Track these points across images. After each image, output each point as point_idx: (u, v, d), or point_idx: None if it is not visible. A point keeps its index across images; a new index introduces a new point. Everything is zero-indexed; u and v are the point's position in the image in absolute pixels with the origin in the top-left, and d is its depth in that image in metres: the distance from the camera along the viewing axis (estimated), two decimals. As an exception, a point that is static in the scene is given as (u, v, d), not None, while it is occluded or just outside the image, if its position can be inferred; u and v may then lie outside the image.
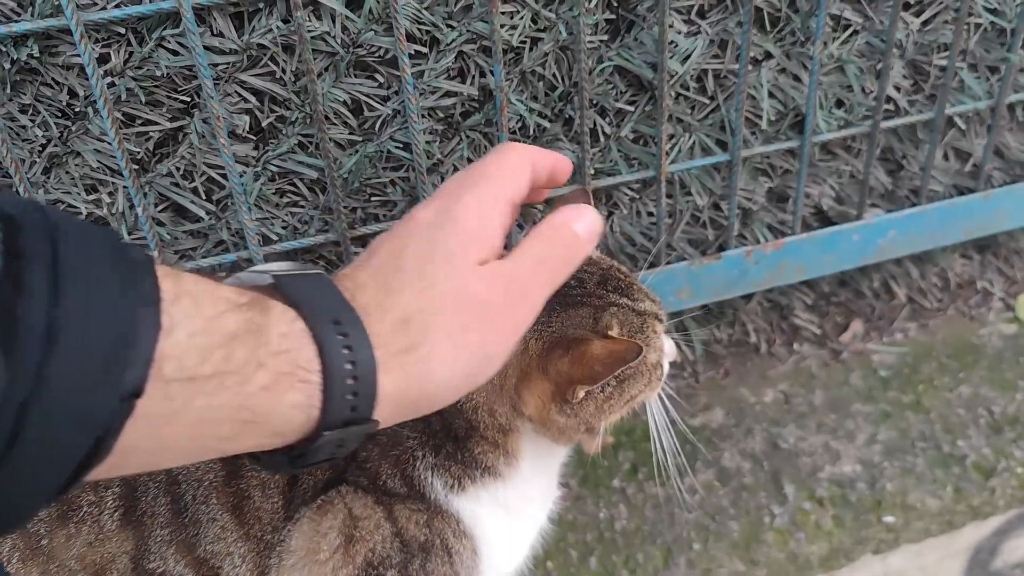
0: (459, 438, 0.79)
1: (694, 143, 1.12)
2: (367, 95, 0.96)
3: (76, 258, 0.37)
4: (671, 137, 1.11)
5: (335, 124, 0.97)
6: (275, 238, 1.02)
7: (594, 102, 1.05)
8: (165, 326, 0.39)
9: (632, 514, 1.21)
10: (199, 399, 0.41)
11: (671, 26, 1.02)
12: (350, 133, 0.98)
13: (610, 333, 0.74)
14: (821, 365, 1.41)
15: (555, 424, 0.76)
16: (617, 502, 1.23)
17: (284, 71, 0.92)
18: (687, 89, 1.08)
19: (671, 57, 1.03)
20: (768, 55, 1.09)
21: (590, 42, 1.00)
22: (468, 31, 0.94)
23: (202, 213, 0.98)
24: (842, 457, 1.26)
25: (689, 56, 1.04)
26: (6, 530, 0.37)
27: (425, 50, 0.95)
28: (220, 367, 0.42)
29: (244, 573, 0.79)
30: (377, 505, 0.81)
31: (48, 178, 0.92)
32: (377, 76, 0.96)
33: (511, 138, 1.04)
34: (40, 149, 0.91)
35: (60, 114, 0.90)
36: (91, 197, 0.95)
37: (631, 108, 1.07)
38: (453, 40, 0.95)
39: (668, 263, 1.18)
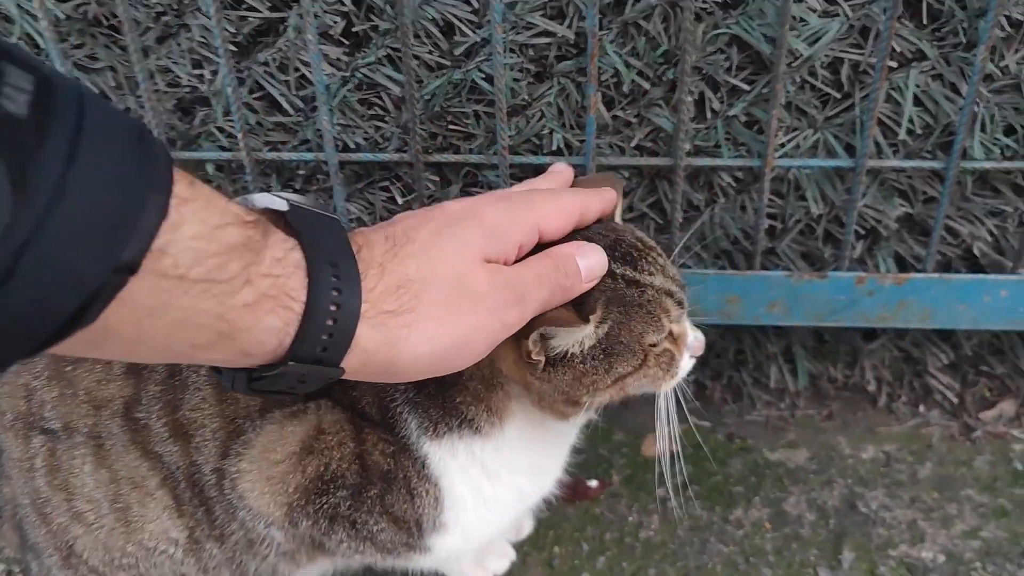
0: (444, 382, 0.76)
1: (819, 142, 1.00)
2: (459, 18, 0.94)
3: (99, 129, 0.39)
4: (791, 130, 1.00)
5: (424, 43, 0.96)
6: (354, 147, 1.03)
7: (702, 71, 0.96)
8: (173, 220, 0.42)
9: (663, 528, 1.11)
10: (185, 300, 0.44)
11: (802, 0, 0.91)
12: (440, 55, 0.97)
13: (591, 317, 0.68)
14: (945, 437, 1.21)
15: (534, 388, 0.72)
16: (652, 511, 1.13)
17: (380, -21, 0.93)
18: (815, 77, 0.96)
19: (797, 36, 0.92)
20: (921, 55, 0.94)
21: (704, 4, 0.92)
22: (568, -33, 0.90)
23: (290, 108, 1.02)
24: (926, 541, 1.08)
25: (820, 39, 0.92)
26: None
27: (522, -19, 0.92)
28: (211, 275, 0.44)
29: (211, 447, 0.81)
30: (348, 424, 0.80)
31: (160, 46, 1.00)
32: (472, 0, 0.94)
33: (603, 93, 0.98)
34: (156, 17, 0.98)
35: (177, -14, 0.97)
36: (196, 71, 1.01)
37: (747, 87, 0.97)
38: (552, -25, 0.91)
39: (766, 269, 1.06)
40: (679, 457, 0.82)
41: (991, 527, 1.09)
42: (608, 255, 0.71)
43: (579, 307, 0.68)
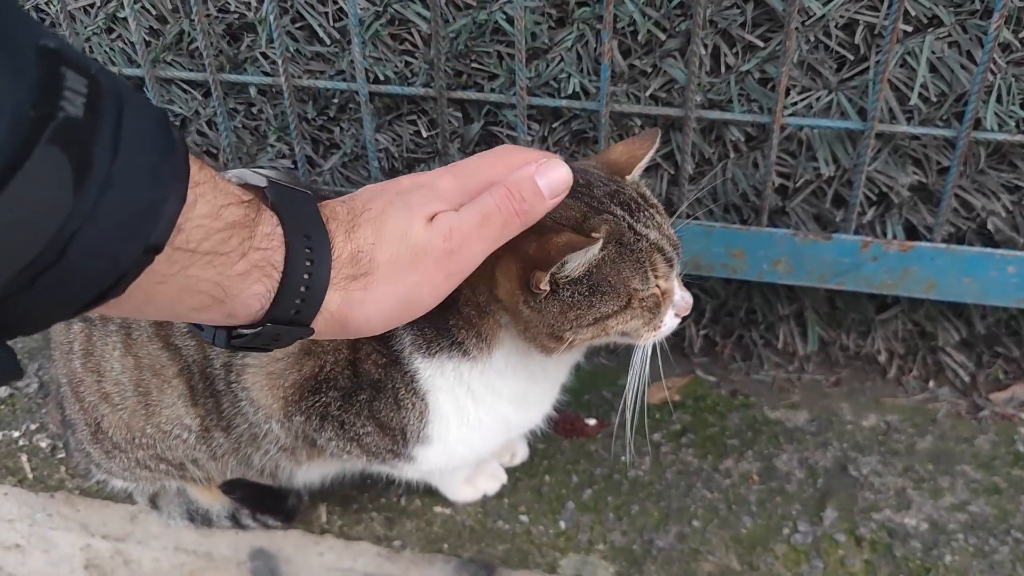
0: (440, 305, 0.81)
1: (832, 103, 1.01)
2: (485, -40, 0.99)
3: (134, 126, 0.45)
4: (805, 90, 1.01)
5: (452, -18, 1.02)
6: (384, 79, 1.09)
7: (717, 25, 0.98)
8: (188, 201, 0.48)
9: (653, 470, 1.15)
10: (192, 269, 0.50)
11: (817, -42, 0.93)
12: (467, -4, 1.02)
13: (594, 235, 0.71)
14: (951, 414, 1.21)
15: (521, 316, 0.76)
16: (645, 454, 1.17)
17: (413, -82, 0.98)
18: (829, 37, 0.97)
19: (811, -6, 0.94)
20: (938, 21, 0.94)
21: (721, -44, 0.94)
22: (589, -86, 0.93)
23: (327, 39, 1.08)
24: (912, 508, 1.09)
25: (834, -2, 0.94)
26: (29, 332, 0.46)
27: (545, -74, 0.96)
28: (216, 248, 0.51)
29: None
30: None
31: (213, -27, 1.08)
32: (499, -56, 0.99)
33: (619, 41, 1.01)
34: (210, -56, 1.06)
35: (229, -83, 1.04)
36: (243, 0, 1.09)
37: (762, 44, 0.99)
38: (573, -79, 0.94)
39: (775, 227, 1.08)
40: (644, 413, 0.85)
41: (980, 502, 1.10)
42: (608, 201, 0.75)
43: (580, 229, 0.72)
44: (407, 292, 0.61)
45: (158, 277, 0.49)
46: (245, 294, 0.54)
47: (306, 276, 0.56)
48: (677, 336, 1.30)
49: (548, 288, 0.73)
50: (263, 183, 0.60)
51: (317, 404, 0.87)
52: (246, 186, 0.58)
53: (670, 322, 0.81)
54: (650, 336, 0.80)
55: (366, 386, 0.87)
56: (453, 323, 0.81)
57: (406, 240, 0.60)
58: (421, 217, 0.61)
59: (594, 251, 0.72)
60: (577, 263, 0.72)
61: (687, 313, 0.81)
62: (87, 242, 0.42)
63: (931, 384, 1.25)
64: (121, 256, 0.44)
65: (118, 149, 0.43)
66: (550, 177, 0.65)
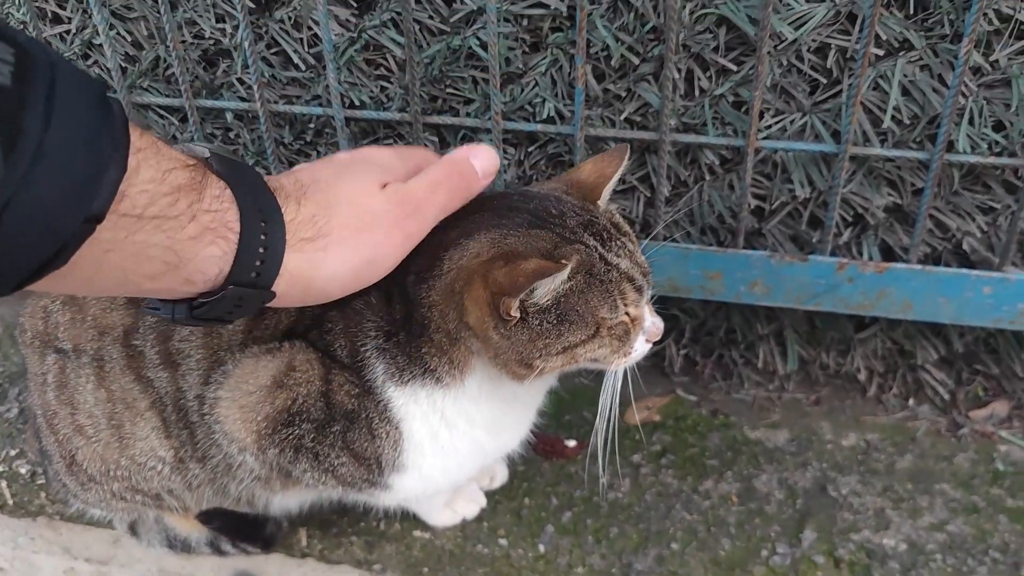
0: (412, 332, 0.81)
1: (806, 126, 1.01)
2: (458, -13, 0.99)
3: (68, 95, 0.45)
4: (779, 113, 1.01)
5: (425, 8, 1.01)
6: (359, 104, 1.09)
7: (690, 49, 0.98)
8: (130, 167, 0.48)
9: (632, 491, 1.15)
10: (140, 235, 0.51)
11: (788, -16, 0.93)
12: (440, 21, 1.02)
13: (563, 261, 0.72)
14: (931, 432, 1.21)
15: (491, 343, 0.76)
16: (625, 476, 1.17)
17: (385, -55, 0.98)
18: (802, 61, 0.97)
19: (782, 19, 0.94)
20: (909, 45, 0.94)
21: (692, -18, 0.94)
22: (559, -59, 0.93)
23: (302, 64, 1.08)
24: (891, 529, 1.09)
25: (806, 23, 0.94)
26: None
27: (517, -47, 0.96)
28: (163, 212, 0.52)
29: (195, 375, 0.89)
30: (319, 364, 0.85)
31: (187, 0, 1.08)
32: (471, -30, 0.98)
33: (593, 66, 1.02)
34: (183, -29, 1.06)
35: (202, -56, 1.04)
36: (219, 25, 1.09)
37: (735, 68, 0.99)
38: (544, -52, 0.94)
39: (753, 249, 1.08)
40: (615, 436, 0.85)
41: (959, 522, 1.10)
42: (581, 231, 0.76)
43: (551, 257, 0.72)
44: (371, 251, 0.64)
45: (106, 245, 0.49)
46: (200, 257, 0.55)
47: (263, 236, 0.57)
48: (657, 356, 1.30)
49: (518, 315, 0.73)
50: (207, 154, 0.61)
51: (291, 437, 0.87)
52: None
53: (641, 348, 0.81)
54: (621, 362, 0.81)
55: (339, 417, 0.86)
56: (425, 351, 0.81)
57: (362, 205, 0.64)
58: (374, 184, 0.66)
59: (562, 277, 0.72)
60: (546, 289, 0.72)
61: (658, 338, 0.82)
62: (22, 211, 0.42)
63: (911, 402, 1.25)
64: (60, 226, 0.45)
65: (51, 119, 0.43)
66: (482, 159, 0.72)
